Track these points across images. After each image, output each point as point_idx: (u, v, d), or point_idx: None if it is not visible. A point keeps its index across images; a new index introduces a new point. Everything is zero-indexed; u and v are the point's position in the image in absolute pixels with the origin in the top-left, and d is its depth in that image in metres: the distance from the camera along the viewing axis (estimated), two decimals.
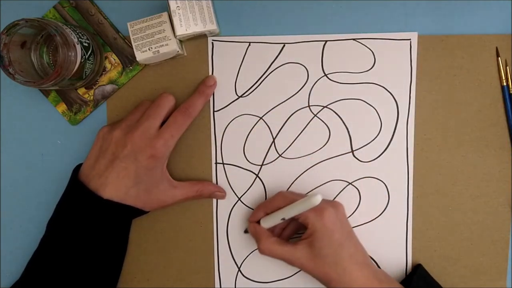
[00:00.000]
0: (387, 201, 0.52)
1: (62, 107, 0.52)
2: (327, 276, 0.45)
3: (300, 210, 0.45)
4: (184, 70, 0.51)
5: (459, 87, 0.51)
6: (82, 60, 0.45)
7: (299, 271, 0.52)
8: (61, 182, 0.48)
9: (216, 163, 0.52)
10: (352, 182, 0.52)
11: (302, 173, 0.52)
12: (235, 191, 0.52)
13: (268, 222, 0.48)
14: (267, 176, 0.52)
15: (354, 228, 0.52)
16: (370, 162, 0.52)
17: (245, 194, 0.52)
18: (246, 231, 0.52)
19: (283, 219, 0.46)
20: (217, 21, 0.49)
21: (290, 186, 0.52)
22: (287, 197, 0.47)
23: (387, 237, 0.52)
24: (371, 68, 0.51)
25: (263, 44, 0.51)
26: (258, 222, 0.49)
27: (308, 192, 0.52)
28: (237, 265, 0.53)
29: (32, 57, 0.47)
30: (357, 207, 0.52)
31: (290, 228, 0.51)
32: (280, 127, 0.52)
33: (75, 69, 0.45)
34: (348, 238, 0.46)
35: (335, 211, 0.46)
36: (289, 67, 0.51)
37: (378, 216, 0.52)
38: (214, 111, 0.52)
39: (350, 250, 0.46)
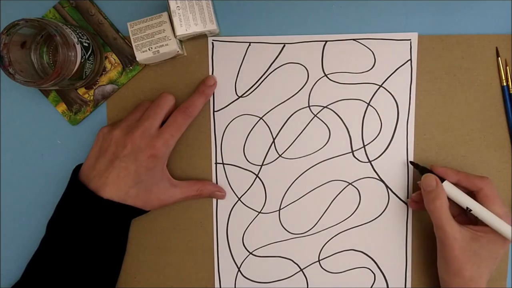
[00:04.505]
0: (387, 201, 0.52)
1: (62, 107, 0.52)
2: (461, 271, 0.44)
3: (495, 225, 0.43)
4: (184, 70, 0.51)
5: (459, 87, 0.51)
6: (82, 60, 0.45)
7: (299, 271, 0.52)
8: (61, 182, 0.48)
9: (216, 163, 0.52)
10: (352, 182, 0.52)
11: (302, 173, 0.52)
12: (235, 191, 0.52)
13: (452, 193, 0.45)
14: (267, 176, 0.52)
15: (354, 228, 0.52)
16: (370, 162, 0.52)
17: (245, 194, 0.52)
18: (416, 166, 0.48)
19: (469, 210, 0.43)
20: (217, 21, 0.49)
21: (290, 186, 0.52)
22: (491, 195, 0.45)
23: (387, 237, 0.52)
24: (371, 68, 0.51)
25: (263, 44, 0.51)
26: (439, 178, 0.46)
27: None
28: (237, 265, 0.52)
29: (32, 57, 0.47)
30: (357, 207, 0.52)
31: (454, 209, 0.47)
32: (280, 127, 0.52)
33: (75, 69, 0.45)
34: (498, 261, 0.46)
35: None
36: (289, 67, 0.51)
37: (378, 216, 0.52)
38: (214, 111, 0.52)
39: (493, 268, 0.46)
